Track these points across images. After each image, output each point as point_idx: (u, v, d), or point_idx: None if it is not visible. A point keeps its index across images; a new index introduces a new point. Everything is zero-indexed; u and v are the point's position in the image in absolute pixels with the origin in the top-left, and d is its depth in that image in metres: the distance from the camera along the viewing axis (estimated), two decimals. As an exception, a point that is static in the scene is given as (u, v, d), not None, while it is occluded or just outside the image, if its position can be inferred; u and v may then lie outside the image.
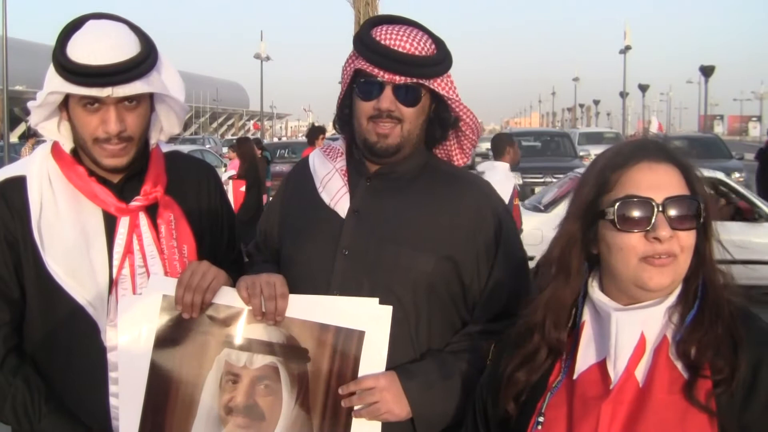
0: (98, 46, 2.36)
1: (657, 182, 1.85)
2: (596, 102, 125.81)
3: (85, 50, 2.35)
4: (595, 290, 1.95)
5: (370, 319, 2.34)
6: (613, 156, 1.94)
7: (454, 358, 2.42)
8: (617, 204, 1.85)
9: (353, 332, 2.33)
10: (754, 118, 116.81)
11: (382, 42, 2.45)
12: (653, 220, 1.82)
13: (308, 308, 2.36)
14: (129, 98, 2.40)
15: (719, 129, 75.07)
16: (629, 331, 1.85)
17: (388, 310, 2.34)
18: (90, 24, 2.44)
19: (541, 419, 1.93)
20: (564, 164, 23.33)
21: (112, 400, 2.43)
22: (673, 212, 1.83)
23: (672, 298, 1.88)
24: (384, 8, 19.55)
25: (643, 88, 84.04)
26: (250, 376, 2.35)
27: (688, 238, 1.84)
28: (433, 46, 2.51)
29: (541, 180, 22.20)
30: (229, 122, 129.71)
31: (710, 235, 1.89)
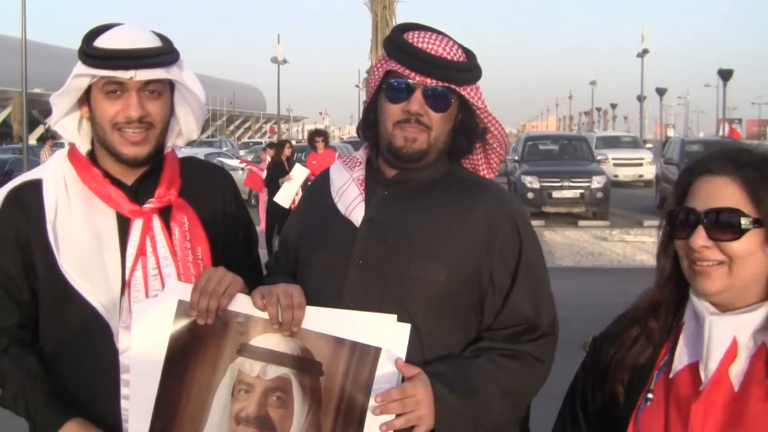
0: (123, 35, 2.46)
1: (709, 194, 1.97)
2: (613, 105, 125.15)
3: (110, 39, 2.46)
4: (694, 293, 2.02)
5: (387, 336, 2.29)
6: (692, 165, 2.08)
7: (483, 373, 2.36)
8: (670, 213, 2.04)
9: (369, 348, 2.28)
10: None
11: (415, 44, 2.42)
12: (694, 231, 1.95)
13: (325, 321, 2.32)
14: (151, 88, 2.46)
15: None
16: (721, 335, 1.93)
17: (406, 327, 2.29)
18: (116, 26, 2.52)
19: (650, 395, 2.01)
20: (582, 168, 23.30)
21: (124, 403, 2.42)
22: (712, 224, 1.94)
23: (765, 308, 1.95)
24: (401, 12, 19.54)
25: (661, 92, 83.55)
26: (263, 387, 2.32)
27: (734, 247, 1.93)
28: (463, 55, 2.48)
29: (559, 184, 22.14)
30: (246, 125, 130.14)
31: None
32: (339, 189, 2.57)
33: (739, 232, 1.93)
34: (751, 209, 1.93)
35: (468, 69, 2.46)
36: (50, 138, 28.90)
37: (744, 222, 1.92)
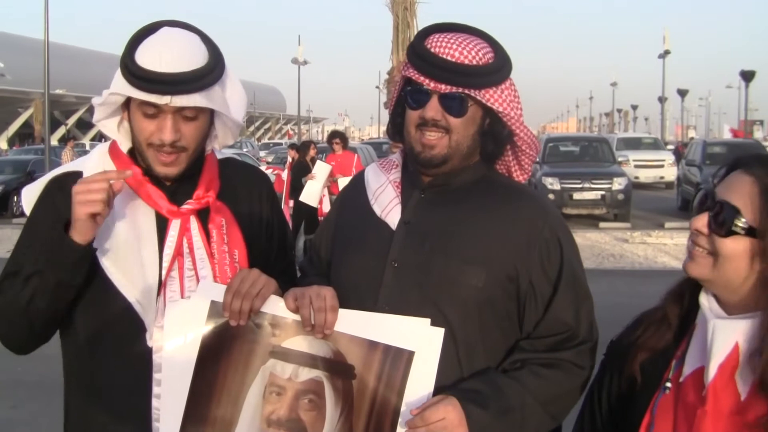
0: (165, 54, 2.38)
1: (730, 187, 2.00)
2: (634, 107, 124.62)
3: (151, 56, 2.38)
4: (704, 295, 2.04)
5: (420, 340, 2.27)
6: (737, 158, 2.07)
7: (520, 387, 2.33)
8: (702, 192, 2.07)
9: (403, 352, 2.27)
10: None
11: (432, 50, 2.40)
12: (698, 214, 2.02)
13: (357, 324, 2.31)
14: (186, 112, 2.42)
15: (759, 134, 74.01)
16: (723, 340, 1.92)
17: (440, 332, 2.27)
18: (162, 31, 2.47)
19: (668, 384, 2.02)
20: (603, 169, 23.20)
21: (155, 402, 2.41)
22: (715, 213, 1.98)
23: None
24: (423, 13, 19.53)
25: (682, 93, 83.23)
26: (294, 389, 2.31)
27: (729, 245, 1.95)
28: (489, 55, 2.43)
29: (580, 185, 22.06)
30: (266, 126, 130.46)
31: None
32: (375, 191, 2.57)
33: (728, 231, 1.95)
34: (753, 217, 1.92)
35: (489, 72, 2.41)
36: (72, 138, 29.14)
37: (737, 223, 1.94)
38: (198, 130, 2.49)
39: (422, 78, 2.41)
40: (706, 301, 2.02)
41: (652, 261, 16.21)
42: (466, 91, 2.40)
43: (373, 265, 2.45)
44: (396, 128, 2.57)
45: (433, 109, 2.41)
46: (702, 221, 1.99)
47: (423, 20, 18.80)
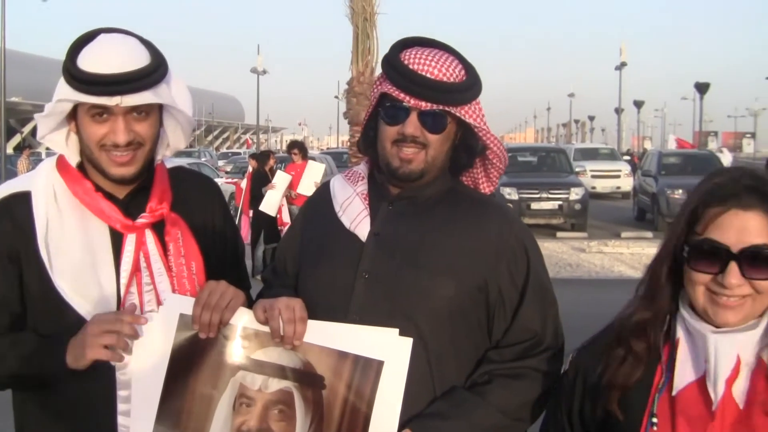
0: (108, 57, 2.37)
1: (740, 229, 1.92)
2: (591, 118, 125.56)
3: (95, 60, 2.36)
4: (687, 311, 2.03)
5: (389, 350, 2.30)
6: (708, 195, 2.00)
7: (483, 399, 2.38)
8: (695, 244, 1.96)
9: (372, 362, 2.29)
10: (748, 135, 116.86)
11: (411, 66, 2.42)
12: (727, 267, 1.91)
13: (327, 334, 2.33)
14: (138, 110, 2.40)
15: (713, 145, 75.06)
16: (727, 354, 1.93)
17: (408, 341, 2.29)
18: (101, 37, 2.45)
19: (655, 420, 2.00)
20: (560, 180, 23.39)
21: (120, 419, 2.40)
22: (748, 262, 1.90)
23: (763, 324, 1.97)
24: (383, 24, 19.57)
25: (639, 105, 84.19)
26: (264, 400, 2.32)
27: (766, 284, 1.92)
28: (462, 72, 2.48)
29: (537, 195, 22.22)
30: (224, 135, 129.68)
31: None
32: (343, 203, 2.58)
33: None
34: None
35: (466, 88, 2.45)
36: (27, 147, 28.76)
37: None
38: (151, 126, 2.47)
39: (402, 94, 2.42)
40: (692, 318, 2.01)
41: (608, 270, 16.36)
42: (446, 108, 2.43)
43: (344, 277, 2.46)
44: (368, 141, 2.58)
45: (412, 125, 2.43)
46: (736, 276, 1.90)
47: (383, 31, 18.81)
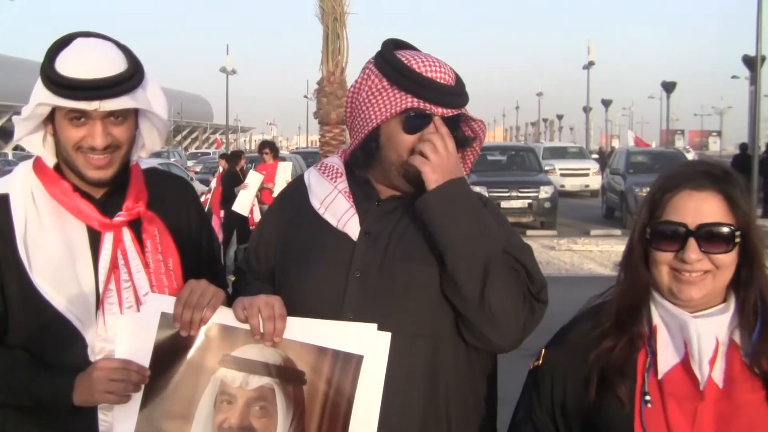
0: (86, 61, 2.40)
1: (695, 209, 2.06)
2: (560, 117, 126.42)
3: (73, 65, 2.39)
4: (661, 297, 2.13)
5: (368, 345, 2.32)
6: (665, 180, 2.15)
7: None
8: (655, 226, 2.10)
9: (352, 356, 2.31)
10: (714, 133, 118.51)
11: (427, 75, 2.44)
12: (686, 244, 2.05)
13: (306, 331, 2.35)
14: (115, 114, 2.43)
15: (680, 143, 75.87)
16: (708, 336, 2.05)
17: (387, 336, 2.31)
18: (78, 41, 2.47)
19: (648, 397, 2.09)
20: (529, 178, 23.51)
21: (101, 415, 2.42)
22: (705, 238, 2.04)
23: (732, 306, 2.10)
24: (353, 23, 19.59)
25: (606, 103, 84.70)
26: (245, 397, 2.34)
27: (723, 258, 2.05)
28: (453, 72, 2.53)
29: (507, 194, 22.30)
30: (193, 135, 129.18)
31: (755, 256, 2.09)
32: (324, 200, 2.57)
33: (731, 245, 2.05)
34: (732, 220, 2.06)
35: (465, 90, 2.53)
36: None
37: (736, 234, 2.05)
38: (128, 129, 2.50)
39: (426, 105, 2.43)
40: (668, 304, 2.11)
41: (578, 268, 16.48)
42: (461, 111, 2.50)
43: (335, 277, 2.46)
44: (368, 152, 2.54)
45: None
46: (695, 251, 2.03)
47: (353, 31, 18.82)
